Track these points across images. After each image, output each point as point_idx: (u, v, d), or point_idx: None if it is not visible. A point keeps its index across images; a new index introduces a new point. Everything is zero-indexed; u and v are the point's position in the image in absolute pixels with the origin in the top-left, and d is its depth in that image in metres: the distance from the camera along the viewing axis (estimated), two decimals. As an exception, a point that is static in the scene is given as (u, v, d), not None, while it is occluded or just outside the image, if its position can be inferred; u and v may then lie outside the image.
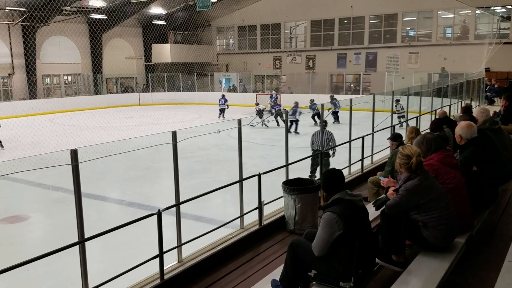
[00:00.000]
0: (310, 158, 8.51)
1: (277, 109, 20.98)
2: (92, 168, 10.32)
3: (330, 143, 9.02)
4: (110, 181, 10.70)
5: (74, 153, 3.60)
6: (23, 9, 25.56)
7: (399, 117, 17.31)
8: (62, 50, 29.74)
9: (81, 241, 3.74)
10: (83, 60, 31.43)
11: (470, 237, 3.84)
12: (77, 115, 21.95)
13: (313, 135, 9.57)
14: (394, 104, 17.98)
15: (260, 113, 20.79)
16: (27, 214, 8.99)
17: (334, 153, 9.13)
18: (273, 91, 28.25)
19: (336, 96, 23.66)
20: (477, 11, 25.77)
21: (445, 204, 3.46)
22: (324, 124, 8.68)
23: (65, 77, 31.39)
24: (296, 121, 18.04)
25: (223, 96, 24.22)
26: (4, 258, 6.60)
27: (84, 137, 12.86)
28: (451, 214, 3.47)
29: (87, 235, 3.80)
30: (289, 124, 15.76)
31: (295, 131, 17.84)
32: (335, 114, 20.71)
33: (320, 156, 7.25)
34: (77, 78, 31.89)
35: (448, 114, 11.95)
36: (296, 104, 18.34)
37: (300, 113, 18.03)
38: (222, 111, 23.43)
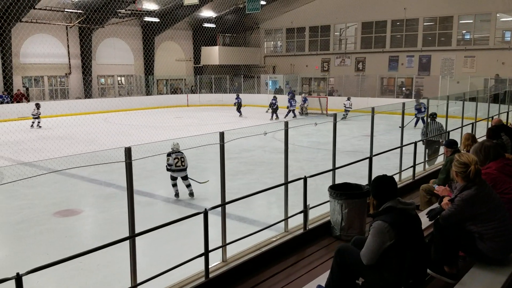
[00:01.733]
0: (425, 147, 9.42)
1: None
2: (142, 166, 10.66)
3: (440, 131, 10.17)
4: (159, 179, 10.97)
5: (128, 151, 3.70)
6: (81, 11, 26.83)
7: (346, 110, 24.02)
8: (116, 51, 30.95)
9: (132, 236, 3.83)
10: (136, 62, 32.53)
11: (530, 252, 3.61)
12: (129, 115, 22.76)
13: (424, 126, 11.05)
14: (346, 98, 25.07)
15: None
16: (80, 208, 9.39)
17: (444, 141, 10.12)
18: (303, 94, 28.49)
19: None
20: (540, 13, 24.36)
21: (503, 215, 3.29)
22: (434, 115, 10.59)
23: (119, 78, 32.63)
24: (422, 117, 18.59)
25: (274, 97, 25.63)
26: (59, 249, 6.93)
27: (135, 136, 13.30)
28: (509, 226, 3.31)
29: (136, 230, 3.88)
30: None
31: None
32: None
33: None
34: (130, 79, 33.02)
35: (506, 121, 11.35)
36: (418, 101, 19.08)
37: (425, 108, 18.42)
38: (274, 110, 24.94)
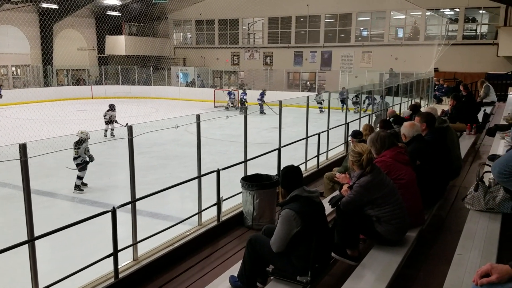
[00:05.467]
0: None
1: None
2: (41, 164, 9.90)
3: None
4: (61, 177, 10.29)
5: (23, 148, 3.45)
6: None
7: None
8: (10, 40, 28.21)
9: (31, 240, 3.58)
10: (33, 51, 30.01)
11: (421, 232, 4.00)
12: (26, 108, 20.92)
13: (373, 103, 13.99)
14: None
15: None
16: (-29, 212, 8.51)
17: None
18: (231, 88, 28.17)
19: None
20: (427, 13, 26.78)
21: (397, 199, 3.57)
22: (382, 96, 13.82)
23: (13, 68, 29.88)
24: None
25: (244, 90, 25.05)
26: None
27: (33, 131, 12.24)
28: (403, 209, 3.59)
29: (36, 233, 3.64)
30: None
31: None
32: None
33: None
34: (26, 69, 30.42)
35: (399, 112, 12.42)
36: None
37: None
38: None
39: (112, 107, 16.66)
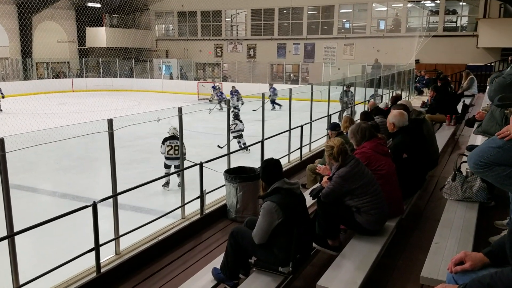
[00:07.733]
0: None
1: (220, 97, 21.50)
2: (21, 158, 9.76)
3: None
4: (41, 172, 10.16)
5: (0, 142, 3.39)
6: None
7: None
8: (-13, 32, 27.59)
9: (11, 235, 3.55)
10: (11, 44, 29.36)
11: (400, 221, 4.08)
12: (5, 102, 20.53)
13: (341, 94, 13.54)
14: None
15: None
16: None
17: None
18: (216, 82, 27.93)
19: (275, 85, 23.93)
20: (408, 5, 26.98)
21: (376, 189, 3.63)
22: (349, 86, 13.47)
23: (-9, 61, 29.24)
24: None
25: (271, 85, 22.79)
26: None
27: (12, 125, 12.03)
28: (381, 199, 3.65)
29: (16, 228, 3.61)
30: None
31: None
32: (273, 102, 21.05)
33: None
34: (5, 62, 29.76)
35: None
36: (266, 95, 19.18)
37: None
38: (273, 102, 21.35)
39: (237, 116, 13.04)
